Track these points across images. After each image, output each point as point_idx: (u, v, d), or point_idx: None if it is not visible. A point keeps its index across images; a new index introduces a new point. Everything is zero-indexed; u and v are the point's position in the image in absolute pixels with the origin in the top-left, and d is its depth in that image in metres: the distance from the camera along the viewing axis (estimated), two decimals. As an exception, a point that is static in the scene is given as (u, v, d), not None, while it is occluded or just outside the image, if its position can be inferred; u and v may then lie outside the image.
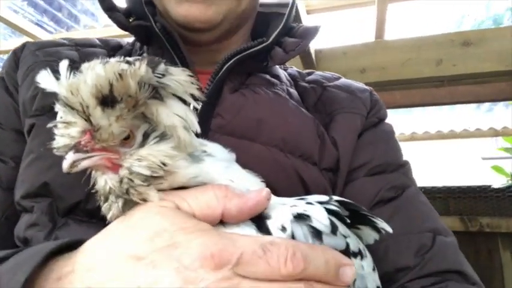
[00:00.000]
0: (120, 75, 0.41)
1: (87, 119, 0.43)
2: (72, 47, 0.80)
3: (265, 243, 0.38)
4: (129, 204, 0.46)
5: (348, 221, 0.48)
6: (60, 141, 0.46)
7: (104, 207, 0.48)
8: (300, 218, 0.45)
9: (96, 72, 0.42)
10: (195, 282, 0.36)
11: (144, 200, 0.45)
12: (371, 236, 0.51)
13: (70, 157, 0.43)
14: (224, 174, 0.49)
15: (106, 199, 0.47)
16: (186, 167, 0.47)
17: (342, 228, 0.47)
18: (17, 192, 0.65)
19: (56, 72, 0.60)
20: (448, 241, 0.68)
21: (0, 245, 0.66)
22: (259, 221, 0.46)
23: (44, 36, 2.95)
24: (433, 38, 2.48)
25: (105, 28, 3.02)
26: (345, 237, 0.47)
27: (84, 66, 0.44)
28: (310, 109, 0.77)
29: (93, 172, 0.48)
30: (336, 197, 0.50)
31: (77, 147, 0.44)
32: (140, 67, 0.42)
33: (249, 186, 0.50)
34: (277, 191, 0.58)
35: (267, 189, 0.45)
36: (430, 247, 0.66)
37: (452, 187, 3.34)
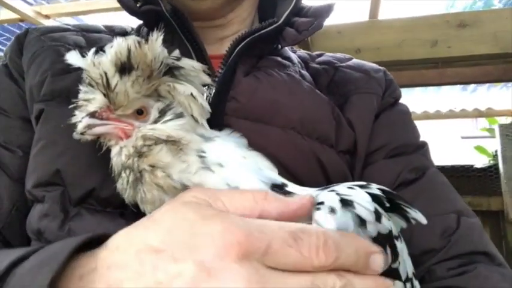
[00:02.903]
0: (139, 43, 0.46)
1: (106, 92, 0.47)
2: (77, 32, 0.77)
3: (295, 231, 0.35)
4: (139, 182, 0.47)
5: (388, 205, 0.47)
6: (79, 117, 0.49)
7: (119, 184, 0.49)
8: (345, 203, 0.44)
9: (118, 42, 0.47)
10: (219, 275, 0.32)
11: (153, 168, 0.46)
12: (398, 224, 0.50)
13: (85, 120, 0.47)
14: (236, 151, 0.51)
15: (119, 174, 0.49)
16: (199, 141, 0.50)
17: (383, 215, 0.46)
18: (28, 182, 0.63)
19: (63, 57, 0.65)
20: (473, 222, 0.68)
21: (12, 237, 0.64)
22: None
23: (23, 8, 2.80)
24: (428, 18, 2.46)
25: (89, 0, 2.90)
26: (387, 222, 0.46)
27: (107, 46, 0.48)
28: (323, 91, 0.75)
29: (107, 142, 0.51)
30: (374, 184, 0.49)
31: (92, 114, 0.47)
32: (157, 40, 0.47)
33: (262, 165, 0.51)
34: (296, 174, 0.58)
35: (311, 195, 0.42)
36: (456, 229, 0.66)
37: (436, 167, 3.41)
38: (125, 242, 0.37)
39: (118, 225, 0.57)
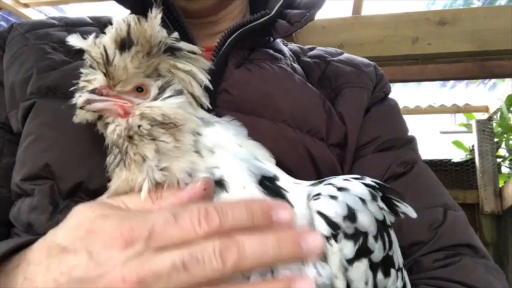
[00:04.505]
0: (138, 19, 0.48)
1: (105, 69, 0.47)
2: (62, 27, 0.76)
3: (176, 210, 0.38)
4: (124, 164, 0.48)
5: (381, 194, 0.49)
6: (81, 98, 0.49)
7: (108, 158, 0.50)
8: (342, 190, 0.46)
9: (117, 20, 0.48)
10: (107, 264, 0.36)
11: (139, 158, 0.47)
12: (388, 217, 0.52)
13: (85, 95, 0.48)
14: (232, 139, 0.51)
15: (111, 149, 0.50)
16: (196, 121, 0.50)
17: (379, 199, 0.48)
18: (16, 175, 0.63)
19: (47, 54, 0.70)
20: (459, 215, 0.70)
21: None
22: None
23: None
24: (410, 15, 2.50)
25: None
26: (381, 209, 0.48)
27: (108, 28, 0.49)
28: (315, 84, 0.76)
29: (105, 122, 0.51)
30: (368, 178, 0.51)
31: (92, 91, 0.48)
32: (156, 17, 0.48)
33: (257, 155, 0.52)
34: (286, 167, 0.58)
35: (206, 180, 0.45)
36: (442, 222, 0.67)
37: (418, 161, 3.46)
38: (42, 241, 0.43)
39: None
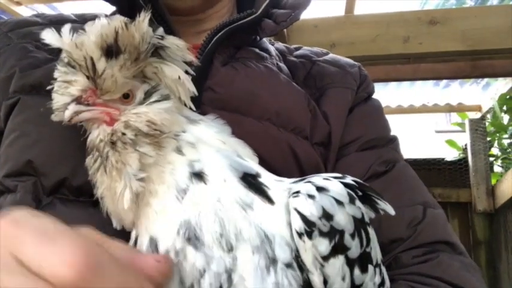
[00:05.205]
0: (126, 24, 0.45)
1: (90, 75, 0.45)
2: (46, 25, 0.76)
3: (57, 233, 0.31)
4: (103, 166, 0.47)
5: (360, 193, 0.50)
6: (60, 100, 0.47)
7: (88, 159, 0.49)
8: (320, 190, 0.47)
9: (102, 24, 0.45)
10: None
11: (121, 166, 0.45)
12: (367, 214, 0.53)
13: (72, 108, 0.45)
14: (216, 136, 0.51)
15: (90, 151, 0.49)
16: (182, 121, 0.50)
17: (357, 200, 0.49)
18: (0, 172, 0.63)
19: (30, 53, 0.69)
20: (438, 213, 0.72)
21: None
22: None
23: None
24: (401, 14, 2.52)
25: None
26: (360, 208, 0.49)
27: (88, 25, 0.46)
28: (300, 84, 0.77)
29: (90, 126, 0.50)
30: (349, 176, 0.52)
31: (78, 100, 0.46)
32: (144, 21, 0.46)
33: (240, 152, 0.52)
34: (270, 165, 0.59)
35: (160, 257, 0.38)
36: (422, 219, 0.69)
37: (408, 159, 3.45)
38: None
39: (90, 215, 0.58)
